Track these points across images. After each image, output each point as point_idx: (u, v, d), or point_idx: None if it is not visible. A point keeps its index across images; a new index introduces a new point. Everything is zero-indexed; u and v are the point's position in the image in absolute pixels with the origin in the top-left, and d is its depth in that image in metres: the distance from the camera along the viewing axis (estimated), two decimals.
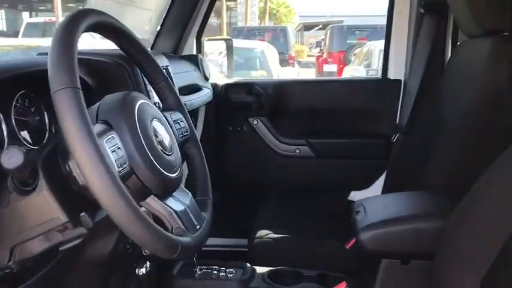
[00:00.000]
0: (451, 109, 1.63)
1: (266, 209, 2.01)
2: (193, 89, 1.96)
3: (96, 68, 1.23)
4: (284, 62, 11.64)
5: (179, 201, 0.94)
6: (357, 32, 13.32)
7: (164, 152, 0.91)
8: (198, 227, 0.94)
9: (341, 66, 11.85)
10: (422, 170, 1.69)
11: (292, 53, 13.69)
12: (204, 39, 2.32)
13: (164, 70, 1.52)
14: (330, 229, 1.81)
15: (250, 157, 2.31)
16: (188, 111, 1.78)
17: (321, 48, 15.42)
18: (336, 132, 2.27)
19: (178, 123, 1.09)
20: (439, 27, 2.02)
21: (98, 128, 0.82)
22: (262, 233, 1.74)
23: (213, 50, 3.03)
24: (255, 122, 2.27)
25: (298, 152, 2.24)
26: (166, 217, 0.89)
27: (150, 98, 1.26)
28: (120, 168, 0.79)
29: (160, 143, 0.92)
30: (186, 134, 1.10)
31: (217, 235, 2.26)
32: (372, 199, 1.50)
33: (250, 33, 13.82)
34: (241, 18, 22.63)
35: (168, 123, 1.04)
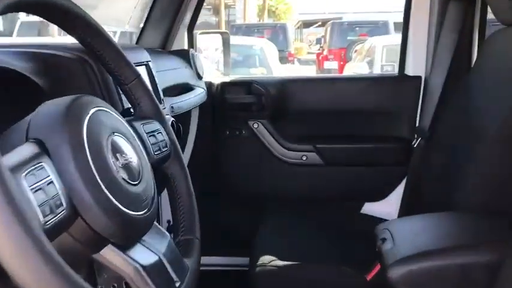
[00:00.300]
0: (485, 110, 1.41)
1: (269, 225, 1.77)
2: (183, 89, 1.71)
3: (50, 65, 0.95)
4: (284, 59, 11.49)
5: (151, 249, 0.67)
6: (357, 28, 13.25)
7: (128, 181, 0.64)
8: (178, 284, 0.67)
9: (342, 63, 11.70)
10: (452, 182, 1.45)
11: (292, 50, 13.56)
12: (197, 32, 2.08)
13: (144, 67, 1.26)
14: (344, 252, 1.56)
15: (251, 165, 2.06)
16: (178, 115, 1.54)
17: (321, 45, 15.27)
18: (347, 136, 2.02)
19: (154, 135, 0.81)
20: (466, 16, 1.77)
21: (20, 153, 0.54)
22: (265, 259, 1.47)
23: (208, 46, 2.78)
24: (256, 126, 2.02)
25: (304, 159, 2.00)
26: (130, 276, 0.62)
27: (122, 104, 1.00)
28: (50, 216, 0.52)
29: (123, 167, 0.64)
30: (165, 149, 0.83)
31: (215, 253, 2.04)
32: (399, 222, 1.24)
33: (248, 30, 13.66)
34: (240, 16, 22.46)
35: (139, 136, 0.78)
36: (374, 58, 8.21)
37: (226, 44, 2.26)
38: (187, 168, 0.86)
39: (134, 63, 1.08)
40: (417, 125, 1.92)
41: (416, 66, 1.93)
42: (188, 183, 0.85)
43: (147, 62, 1.26)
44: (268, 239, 1.65)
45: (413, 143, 1.89)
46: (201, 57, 2.10)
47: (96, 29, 0.78)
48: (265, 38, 11.35)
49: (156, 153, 0.81)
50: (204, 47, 2.78)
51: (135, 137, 0.74)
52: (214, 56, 2.80)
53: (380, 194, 2.00)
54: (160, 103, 1.26)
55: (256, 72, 7.19)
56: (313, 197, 2.04)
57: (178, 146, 0.88)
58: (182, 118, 1.60)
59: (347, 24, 13.63)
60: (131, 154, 0.68)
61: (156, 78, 1.27)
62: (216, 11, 19.73)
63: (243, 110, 2.02)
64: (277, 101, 2.00)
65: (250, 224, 1.78)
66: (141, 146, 0.74)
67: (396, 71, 2.06)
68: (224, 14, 19.81)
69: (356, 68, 8.70)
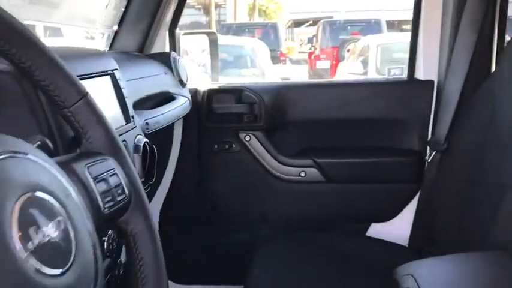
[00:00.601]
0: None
1: (264, 251, 1.57)
2: (163, 98, 1.49)
3: None
4: (275, 59, 11.35)
5: None
6: (349, 27, 13.13)
7: (45, 272, 0.41)
8: None
9: (334, 62, 11.56)
10: (478, 204, 1.27)
11: (284, 50, 13.42)
12: (180, 32, 1.85)
13: (108, 77, 1.03)
14: (351, 286, 1.37)
15: (242, 184, 1.84)
16: (156, 131, 1.32)
17: (313, 44, 15.15)
18: (351, 149, 1.81)
19: (105, 179, 0.58)
20: (487, 12, 1.56)
21: None
22: None
23: (194, 47, 2.57)
24: (248, 138, 1.80)
25: (303, 175, 1.78)
26: None
27: None
28: None
29: (39, 249, 0.41)
30: (121, 197, 0.60)
31: (205, 282, 1.89)
32: (424, 266, 1.01)
33: (239, 29, 13.49)
34: (231, 16, 22.31)
35: (82, 185, 0.54)
36: (368, 57, 8.04)
37: (213, 45, 2.02)
38: (154, 222, 0.63)
39: (94, 74, 0.85)
40: (430, 135, 1.71)
41: (428, 70, 1.72)
42: (155, 244, 0.62)
43: (112, 70, 1.02)
44: (264, 269, 1.46)
45: (426, 157, 1.67)
46: (186, 61, 1.88)
47: (21, 32, 0.54)
48: (256, 37, 11.21)
49: (107, 205, 0.57)
50: (190, 48, 2.56)
51: (71, 189, 0.50)
52: (201, 59, 2.59)
53: (388, 214, 1.79)
54: (129, 121, 1.03)
55: (247, 73, 7.01)
56: (313, 218, 1.84)
57: (142, 190, 0.64)
58: (162, 133, 1.38)
59: (339, 23, 13.45)
60: (58, 222, 0.44)
61: (123, 90, 1.03)
62: (206, 11, 19.56)
63: (233, 121, 1.80)
64: (272, 110, 1.79)
65: (244, 250, 1.60)
66: (80, 204, 0.50)
67: (404, 74, 1.84)
68: (214, 13, 19.62)
69: (349, 67, 8.51)
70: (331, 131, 1.82)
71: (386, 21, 12.59)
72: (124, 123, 1.01)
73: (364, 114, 1.78)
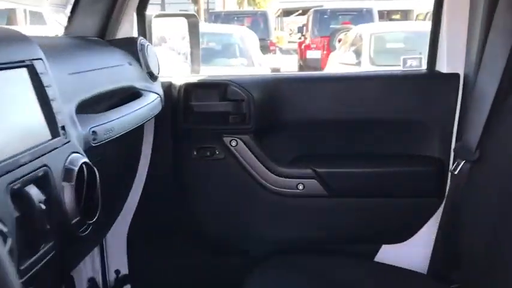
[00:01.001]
0: None
1: (256, 279, 1.39)
2: (127, 96, 1.20)
3: None
4: (265, 48, 11.30)
5: None
6: (340, 16, 13.11)
7: None
8: None
9: (325, 52, 11.50)
10: None
11: (274, 39, 13.44)
12: (152, 15, 1.61)
13: (24, 70, 0.71)
14: None
15: (227, 197, 1.62)
16: (116, 139, 1.03)
17: (303, 34, 15.17)
18: (358, 157, 1.60)
19: None
20: None
21: None
22: None
23: (174, 34, 2.28)
24: (234, 143, 1.57)
25: (301, 188, 1.57)
26: None
27: None
28: None
29: None
30: None
31: None
32: None
33: (228, 18, 13.52)
34: (220, 4, 22.25)
35: None
36: (361, 47, 7.86)
37: (193, 30, 1.74)
38: None
39: None
40: (454, 140, 1.49)
41: (452, 60, 1.49)
42: None
43: (30, 60, 0.70)
44: None
45: (450, 167, 1.44)
46: (164, 50, 1.61)
47: None
48: (246, 26, 11.13)
49: None
50: (169, 35, 2.28)
51: None
52: (181, 46, 2.31)
53: (403, 235, 1.58)
54: (57, 135, 0.72)
55: (236, 63, 6.85)
56: (312, 240, 1.62)
57: None
58: (128, 137, 1.09)
59: (329, 11, 13.46)
60: None
61: (48, 89, 0.72)
62: None
63: (216, 122, 1.58)
64: (263, 109, 1.56)
65: (231, 276, 1.44)
66: None
67: (423, 65, 1.59)
68: (203, 1, 19.47)
69: (341, 57, 8.36)
70: (334, 135, 1.61)
71: (379, 12, 12.64)
72: (49, 138, 0.70)
73: (374, 114, 1.56)
